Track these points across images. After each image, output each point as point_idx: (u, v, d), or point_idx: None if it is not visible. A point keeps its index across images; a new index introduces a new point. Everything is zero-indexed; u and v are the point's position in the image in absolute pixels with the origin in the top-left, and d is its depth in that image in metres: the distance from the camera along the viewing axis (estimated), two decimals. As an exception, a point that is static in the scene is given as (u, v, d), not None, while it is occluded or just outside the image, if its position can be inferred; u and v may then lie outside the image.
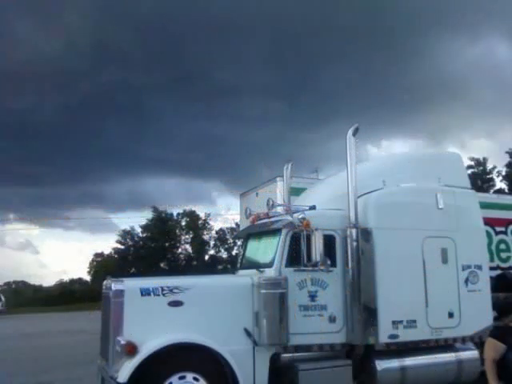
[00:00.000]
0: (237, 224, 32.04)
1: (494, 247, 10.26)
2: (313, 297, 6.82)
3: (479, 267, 7.83)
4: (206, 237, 56.33)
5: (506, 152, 42.63)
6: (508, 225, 10.63)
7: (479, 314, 7.66)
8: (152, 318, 6.13)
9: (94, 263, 58.71)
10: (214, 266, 50.99)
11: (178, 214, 55.74)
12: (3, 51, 68.02)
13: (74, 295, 49.21)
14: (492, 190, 39.31)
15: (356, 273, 6.91)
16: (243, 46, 76.75)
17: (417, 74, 74.08)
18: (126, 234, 54.95)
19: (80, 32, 72.50)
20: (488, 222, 9.12)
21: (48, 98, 75.80)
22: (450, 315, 7.43)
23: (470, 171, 38.76)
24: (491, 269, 8.78)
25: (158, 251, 53.00)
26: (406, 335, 7.10)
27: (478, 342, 7.48)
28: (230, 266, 43.77)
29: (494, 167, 43.76)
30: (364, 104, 68.19)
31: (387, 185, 7.71)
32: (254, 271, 7.04)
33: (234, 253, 52.17)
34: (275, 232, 7.18)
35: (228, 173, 74.73)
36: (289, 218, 7.07)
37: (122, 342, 5.85)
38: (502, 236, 10.50)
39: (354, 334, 6.88)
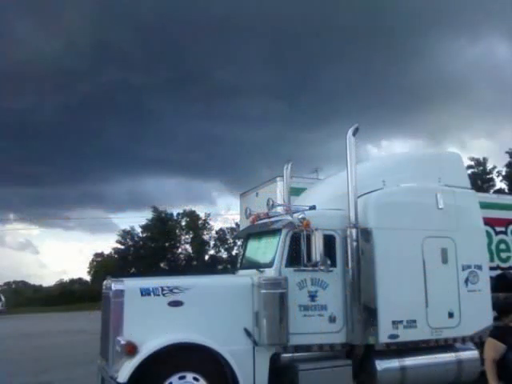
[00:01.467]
0: (237, 224, 32.07)
1: (494, 247, 10.26)
2: (313, 297, 6.82)
3: (479, 267, 7.83)
4: (206, 237, 56.34)
5: (506, 152, 42.65)
6: (508, 225, 10.63)
7: (479, 313, 7.67)
8: (152, 318, 6.12)
9: (94, 263, 58.70)
10: (214, 266, 50.94)
11: (178, 214, 55.80)
12: (3, 51, 68.13)
13: (74, 295, 49.15)
14: (492, 190, 39.26)
15: (356, 273, 6.91)
16: (243, 46, 76.90)
17: (417, 74, 74.19)
18: (126, 234, 54.92)
19: (80, 32, 72.64)
20: (488, 221, 9.12)
21: (48, 98, 75.96)
22: (450, 315, 7.43)
23: (470, 171, 38.74)
24: (491, 269, 8.77)
25: (157, 251, 52.95)
26: (405, 335, 7.10)
27: (478, 341, 7.48)
28: (230, 266, 43.74)
29: (494, 167, 43.77)
30: (364, 104, 68.35)
31: (387, 185, 7.71)
32: (254, 271, 7.04)
33: (234, 253, 52.21)
34: (275, 232, 7.18)
35: (228, 173, 74.84)
36: (289, 217, 7.07)
37: (122, 342, 5.85)
38: (501, 236, 10.49)
39: (354, 334, 6.88)
